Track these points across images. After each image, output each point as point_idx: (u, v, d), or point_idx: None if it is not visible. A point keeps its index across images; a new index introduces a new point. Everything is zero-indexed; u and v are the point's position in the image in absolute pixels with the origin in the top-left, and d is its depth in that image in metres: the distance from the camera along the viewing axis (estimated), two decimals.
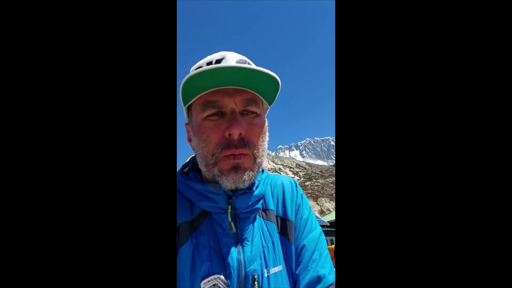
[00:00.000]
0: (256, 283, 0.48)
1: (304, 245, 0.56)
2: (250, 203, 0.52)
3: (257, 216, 0.56)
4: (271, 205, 0.59)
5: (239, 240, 0.51)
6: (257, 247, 0.51)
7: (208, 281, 0.46)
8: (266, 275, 0.50)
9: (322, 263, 0.55)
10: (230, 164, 0.48)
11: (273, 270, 0.51)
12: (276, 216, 0.58)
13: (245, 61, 0.52)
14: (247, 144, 0.48)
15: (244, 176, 0.48)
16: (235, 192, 0.51)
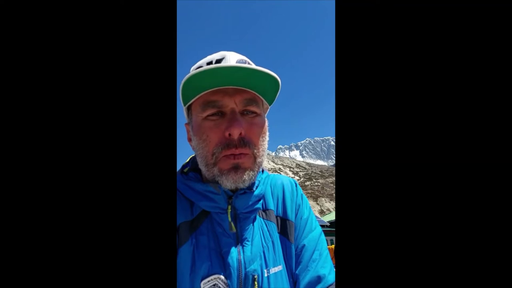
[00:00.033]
0: (256, 283, 0.48)
1: (304, 245, 0.56)
2: (250, 203, 0.52)
3: (257, 216, 0.56)
4: (271, 205, 0.59)
5: (239, 240, 0.51)
6: (257, 247, 0.51)
7: (208, 281, 0.46)
8: (266, 275, 0.50)
9: (322, 263, 0.55)
10: (230, 164, 0.48)
11: (273, 270, 0.51)
12: (276, 216, 0.58)
13: (245, 61, 0.52)
14: (247, 144, 0.48)
15: (244, 176, 0.48)
16: (235, 192, 0.51)
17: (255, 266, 0.49)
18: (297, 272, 0.54)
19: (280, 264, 0.53)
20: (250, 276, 0.48)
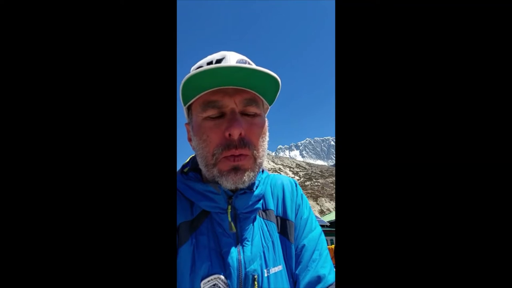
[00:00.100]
0: (256, 283, 0.48)
1: (304, 245, 0.56)
2: (250, 203, 0.52)
3: (257, 216, 0.56)
4: (271, 205, 0.59)
5: (239, 240, 0.51)
6: (257, 247, 0.51)
7: (208, 281, 0.46)
8: (266, 275, 0.50)
9: (322, 263, 0.55)
10: (230, 165, 0.48)
11: (273, 270, 0.51)
12: (276, 216, 0.58)
13: (245, 61, 0.52)
14: (247, 144, 0.48)
15: (244, 177, 0.48)
16: (235, 192, 0.51)
17: (255, 266, 0.49)
18: (297, 272, 0.54)
19: (280, 264, 0.53)
20: (250, 276, 0.48)
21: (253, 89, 0.49)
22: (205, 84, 0.47)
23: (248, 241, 0.51)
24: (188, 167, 0.58)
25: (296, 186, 0.64)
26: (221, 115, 0.49)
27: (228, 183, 0.48)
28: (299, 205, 0.61)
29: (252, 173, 0.50)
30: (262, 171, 0.58)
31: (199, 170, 0.55)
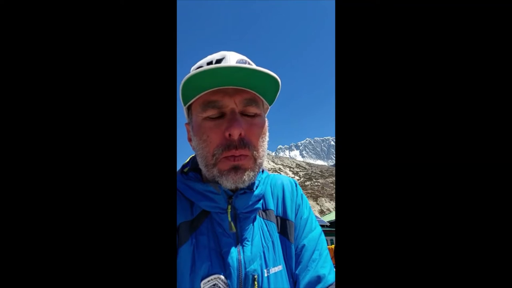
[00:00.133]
0: (256, 283, 0.48)
1: (304, 245, 0.56)
2: (250, 203, 0.52)
3: (257, 216, 0.56)
4: (271, 205, 0.59)
5: (239, 240, 0.51)
6: (257, 247, 0.51)
7: (208, 281, 0.46)
8: (266, 275, 0.50)
9: (322, 263, 0.55)
10: (230, 165, 0.48)
11: (273, 270, 0.51)
12: (276, 216, 0.58)
13: (246, 61, 0.52)
14: (247, 145, 0.48)
15: (244, 177, 0.48)
16: (235, 192, 0.51)
17: (255, 266, 0.49)
18: (297, 272, 0.54)
19: (280, 264, 0.53)
20: (250, 276, 0.48)
21: (253, 89, 0.49)
22: (205, 84, 0.47)
23: (248, 241, 0.51)
24: (188, 167, 0.58)
25: (296, 186, 0.64)
26: (221, 115, 0.49)
27: (228, 183, 0.48)
28: (299, 205, 0.61)
29: (252, 173, 0.50)
30: (262, 171, 0.58)
31: (199, 170, 0.55)
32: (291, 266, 0.54)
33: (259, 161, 0.51)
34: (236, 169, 0.48)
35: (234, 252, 0.49)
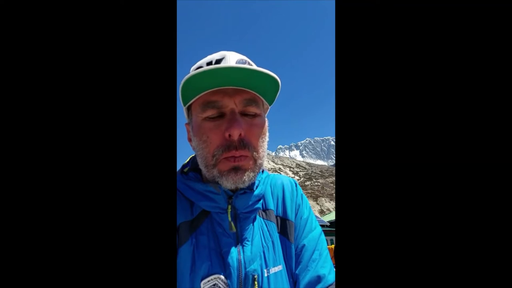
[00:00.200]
0: (256, 283, 0.48)
1: (304, 245, 0.56)
2: (250, 203, 0.52)
3: (257, 216, 0.56)
4: (271, 205, 0.59)
5: (239, 240, 0.51)
6: (257, 247, 0.51)
7: (208, 281, 0.46)
8: (266, 275, 0.50)
9: (322, 263, 0.55)
10: (230, 166, 0.48)
11: (273, 270, 0.51)
12: (276, 216, 0.58)
13: (245, 61, 0.52)
14: (247, 145, 0.48)
15: (244, 177, 0.48)
16: (235, 192, 0.51)
17: (255, 266, 0.49)
18: (297, 272, 0.54)
19: (280, 264, 0.53)
20: (250, 276, 0.48)
21: (253, 89, 0.49)
22: (204, 85, 0.47)
23: (248, 241, 0.51)
24: (188, 167, 0.58)
25: (296, 186, 0.64)
26: (221, 115, 0.49)
27: (228, 183, 0.48)
28: (299, 205, 0.61)
29: (252, 173, 0.50)
30: (262, 171, 0.58)
31: (199, 170, 0.55)
32: (291, 266, 0.54)
33: (259, 161, 0.51)
34: (236, 169, 0.48)
35: (234, 252, 0.49)
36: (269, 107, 0.57)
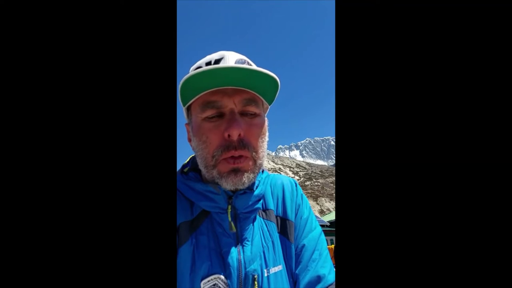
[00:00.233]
0: (256, 283, 0.48)
1: (304, 245, 0.56)
2: (250, 203, 0.52)
3: (257, 216, 0.56)
4: (271, 205, 0.59)
5: (239, 240, 0.51)
6: (257, 247, 0.51)
7: (208, 281, 0.46)
8: (266, 275, 0.50)
9: (322, 263, 0.55)
10: (230, 168, 0.48)
11: (273, 270, 0.51)
12: (276, 216, 0.58)
13: (245, 60, 0.52)
14: (247, 145, 0.48)
15: (244, 179, 0.48)
16: (235, 192, 0.51)
17: (255, 266, 0.49)
18: (297, 272, 0.54)
19: (280, 264, 0.53)
20: (250, 276, 0.48)
21: (253, 89, 0.49)
22: (204, 85, 0.47)
23: (248, 241, 0.51)
24: (188, 167, 0.58)
25: (296, 186, 0.64)
26: (220, 116, 0.49)
27: (228, 185, 0.48)
28: (299, 205, 0.61)
29: (252, 174, 0.50)
30: (262, 171, 0.58)
31: (199, 170, 0.55)
32: (291, 266, 0.54)
33: (259, 161, 0.51)
34: (236, 171, 0.48)
35: (234, 252, 0.49)
36: (269, 107, 0.57)
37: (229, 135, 0.47)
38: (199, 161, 0.51)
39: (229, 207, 0.51)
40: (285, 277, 0.52)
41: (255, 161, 0.50)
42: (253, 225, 0.53)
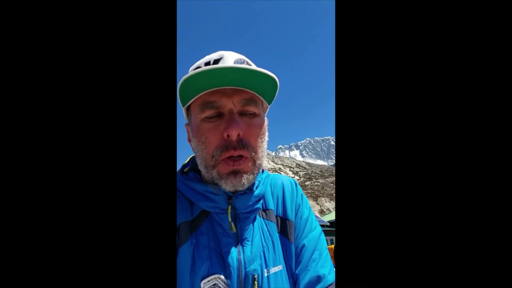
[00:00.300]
0: (256, 283, 0.48)
1: (304, 244, 0.56)
2: (250, 203, 0.52)
3: (257, 216, 0.56)
4: (271, 205, 0.59)
5: (239, 240, 0.51)
6: (257, 247, 0.51)
7: (208, 281, 0.46)
8: (266, 274, 0.50)
9: (322, 263, 0.55)
10: (229, 169, 0.48)
11: (273, 270, 0.51)
12: (276, 216, 0.58)
13: (244, 60, 0.52)
14: (246, 145, 0.48)
15: (243, 180, 0.48)
16: (235, 192, 0.51)
17: (255, 266, 0.49)
18: (297, 272, 0.54)
19: (280, 264, 0.53)
20: (250, 276, 0.48)
21: (252, 89, 0.49)
22: (203, 85, 0.47)
23: (248, 241, 0.51)
24: (188, 167, 0.58)
25: (296, 186, 0.64)
26: (219, 116, 0.49)
27: (227, 186, 0.48)
28: (299, 205, 0.61)
29: (251, 175, 0.50)
30: (262, 171, 0.58)
31: (199, 171, 0.55)
32: (291, 266, 0.54)
33: (258, 162, 0.51)
34: (235, 173, 0.48)
35: (234, 252, 0.49)
36: (269, 107, 0.57)
37: (228, 135, 0.47)
38: (198, 161, 0.51)
39: (229, 207, 0.51)
40: (285, 277, 0.52)
41: (254, 162, 0.50)
42: (253, 225, 0.53)
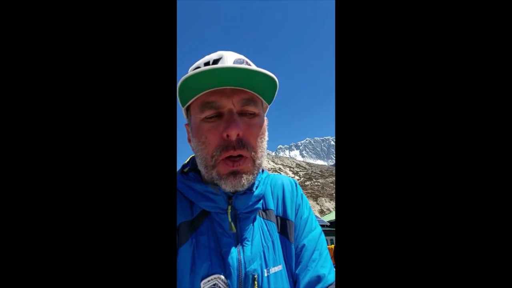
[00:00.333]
0: (256, 282, 0.48)
1: (304, 244, 0.56)
2: (250, 203, 0.52)
3: (257, 216, 0.56)
4: (271, 205, 0.59)
5: (239, 240, 0.51)
6: (257, 247, 0.51)
7: (208, 281, 0.46)
8: (266, 274, 0.50)
9: (322, 262, 0.55)
10: (229, 170, 0.48)
11: (273, 270, 0.51)
12: (276, 216, 0.58)
13: (243, 60, 0.52)
14: (245, 145, 0.48)
15: (243, 181, 0.48)
16: (234, 192, 0.51)
17: (255, 266, 0.49)
18: (297, 271, 0.54)
19: (280, 264, 0.53)
20: (250, 276, 0.48)
21: (251, 89, 0.49)
22: (202, 85, 0.47)
23: (248, 241, 0.51)
24: (188, 167, 0.58)
25: (296, 186, 0.64)
26: (219, 116, 0.49)
27: (227, 186, 0.48)
28: (299, 205, 0.61)
29: (251, 176, 0.50)
30: (262, 171, 0.58)
31: (199, 171, 0.55)
32: (291, 266, 0.54)
33: (258, 162, 0.51)
34: (235, 173, 0.48)
35: (234, 252, 0.49)
36: (268, 106, 0.57)
37: (227, 135, 0.47)
38: (198, 161, 0.51)
39: (229, 207, 0.51)
40: (285, 277, 0.52)
41: (254, 162, 0.50)
42: (253, 225, 0.53)
